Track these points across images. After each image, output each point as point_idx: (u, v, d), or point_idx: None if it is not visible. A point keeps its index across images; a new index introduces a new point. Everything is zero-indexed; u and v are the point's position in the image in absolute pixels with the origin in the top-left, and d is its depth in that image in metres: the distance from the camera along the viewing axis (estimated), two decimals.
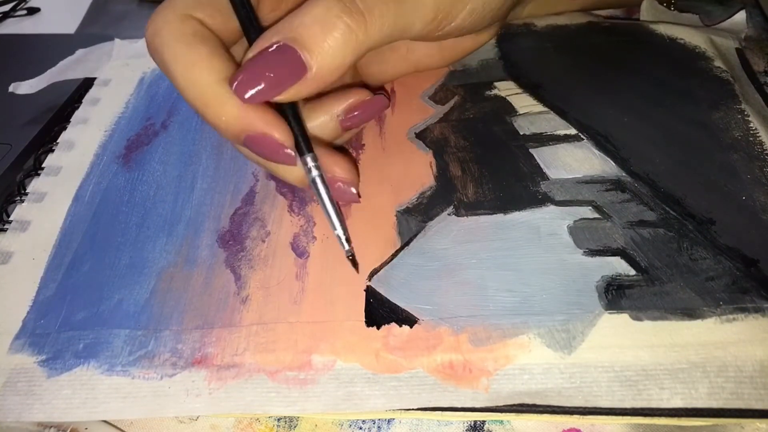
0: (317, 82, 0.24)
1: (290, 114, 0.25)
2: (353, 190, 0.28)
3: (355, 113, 0.28)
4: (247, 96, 0.24)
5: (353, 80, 0.33)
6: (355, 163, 0.30)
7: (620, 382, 0.23)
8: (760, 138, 0.31)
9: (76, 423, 0.25)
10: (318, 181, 0.25)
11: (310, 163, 0.25)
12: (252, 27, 0.25)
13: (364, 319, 0.26)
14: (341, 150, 0.30)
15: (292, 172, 0.27)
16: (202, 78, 0.24)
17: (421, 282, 0.27)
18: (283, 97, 0.24)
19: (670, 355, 0.24)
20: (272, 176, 0.33)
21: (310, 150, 0.25)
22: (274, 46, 0.23)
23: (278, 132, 0.25)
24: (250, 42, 0.25)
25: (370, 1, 0.24)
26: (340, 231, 0.26)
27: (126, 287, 0.28)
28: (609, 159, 0.31)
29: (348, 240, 0.26)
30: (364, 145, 0.34)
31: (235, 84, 0.24)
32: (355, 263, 0.27)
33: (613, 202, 0.29)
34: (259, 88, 0.23)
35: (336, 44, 0.23)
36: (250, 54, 0.24)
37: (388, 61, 0.34)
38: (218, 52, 0.25)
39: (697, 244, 0.27)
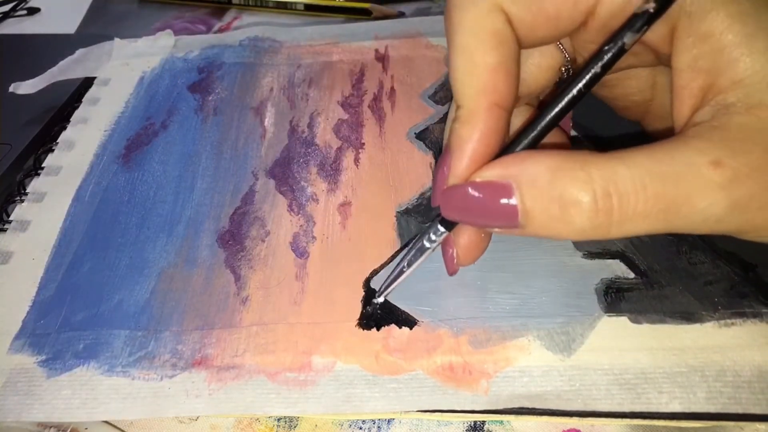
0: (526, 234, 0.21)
1: None
2: (455, 268, 0.26)
3: None
4: (448, 216, 0.22)
5: None
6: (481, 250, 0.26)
7: (619, 385, 0.23)
8: None
9: (76, 423, 0.26)
10: (427, 248, 0.24)
11: (439, 232, 0.24)
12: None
13: (363, 321, 0.26)
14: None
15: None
16: (470, 85, 0.22)
17: (421, 283, 0.27)
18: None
19: (669, 359, 0.24)
20: None
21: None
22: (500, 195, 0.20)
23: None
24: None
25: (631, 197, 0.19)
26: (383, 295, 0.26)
27: (126, 288, 0.28)
28: None
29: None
30: (364, 144, 0.34)
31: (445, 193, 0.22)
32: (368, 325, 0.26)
33: None
34: (463, 216, 0.22)
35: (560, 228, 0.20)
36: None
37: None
38: (504, 67, 0.22)
39: (695, 248, 0.27)
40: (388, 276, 0.26)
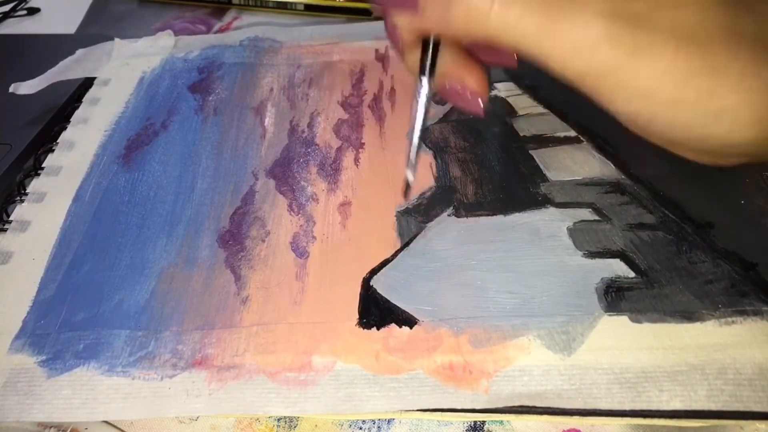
0: (423, 25, 0.23)
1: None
2: (479, 101, 0.26)
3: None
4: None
5: None
6: (486, 76, 0.27)
7: (620, 384, 0.23)
8: None
9: (76, 423, 0.26)
10: (423, 101, 0.26)
11: (424, 85, 0.25)
12: None
13: (363, 320, 0.26)
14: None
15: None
16: None
17: (421, 283, 0.27)
18: (395, 20, 0.24)
19: (670, 358, 0.24)
20: None
21: (432, 74, 0.26)
22: None
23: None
24: None
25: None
26: (413, 156, 0.27)
27: (126, 288, 0.28)
28: (608, 161, 0.31)
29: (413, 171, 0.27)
30: (363, 144, 0.34)
31: None
32: (407, 191, 0.28)
33: (613, 205, 0.29)
34: None
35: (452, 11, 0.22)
36: None
37: None
38: None
39: (696, 248, 0.27)
40: (408, 148, 0.27)
